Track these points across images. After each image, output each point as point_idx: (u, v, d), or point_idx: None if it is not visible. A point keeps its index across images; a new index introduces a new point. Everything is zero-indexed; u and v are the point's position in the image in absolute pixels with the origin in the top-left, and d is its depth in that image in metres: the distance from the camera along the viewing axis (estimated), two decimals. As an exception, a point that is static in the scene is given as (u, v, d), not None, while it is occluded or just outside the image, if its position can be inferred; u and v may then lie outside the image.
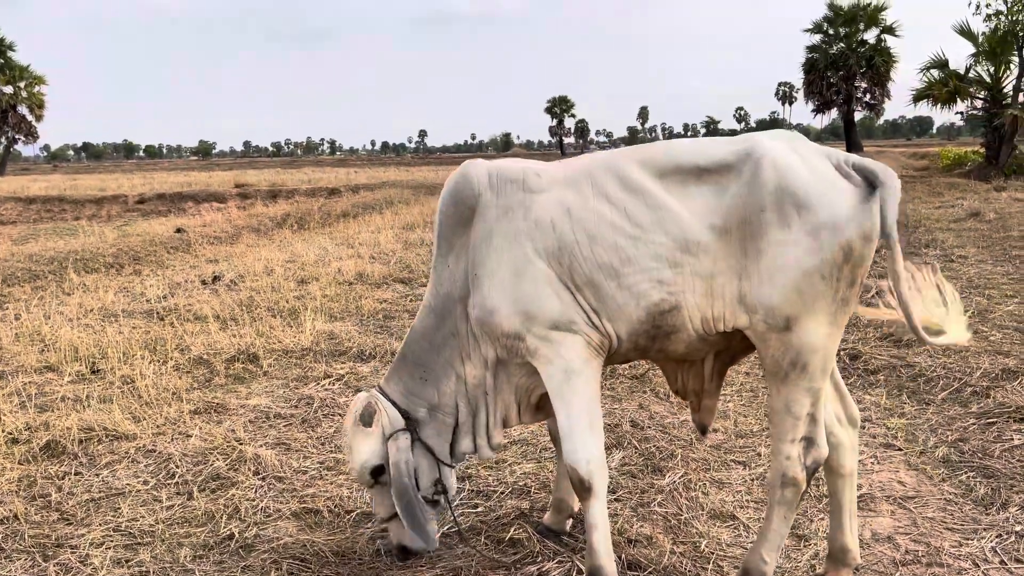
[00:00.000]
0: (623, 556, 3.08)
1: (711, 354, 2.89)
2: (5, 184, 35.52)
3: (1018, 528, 3.31)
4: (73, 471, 3.93)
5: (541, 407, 3.04)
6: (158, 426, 4.50)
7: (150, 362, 5.64)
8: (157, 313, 7.37)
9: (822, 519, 3.48)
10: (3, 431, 4.27)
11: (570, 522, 3.34)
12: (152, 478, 3.84)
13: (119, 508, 3.54)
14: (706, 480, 3.89)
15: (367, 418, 2.87)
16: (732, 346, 2.85)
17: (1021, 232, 11.42)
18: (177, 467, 3.91)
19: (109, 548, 3.19)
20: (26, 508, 3.52)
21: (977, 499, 3.61)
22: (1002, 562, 3.08)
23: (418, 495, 2.90)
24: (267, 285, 8.60)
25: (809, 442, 2.70)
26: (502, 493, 3.70)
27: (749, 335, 2.67)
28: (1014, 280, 8.19)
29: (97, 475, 3.89)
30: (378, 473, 2.89)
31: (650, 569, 3.05)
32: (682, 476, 3.89)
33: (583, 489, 2.73)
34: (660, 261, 2.64)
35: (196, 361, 5.78)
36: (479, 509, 3.54)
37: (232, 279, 9.07)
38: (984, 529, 3.33)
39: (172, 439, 4.32)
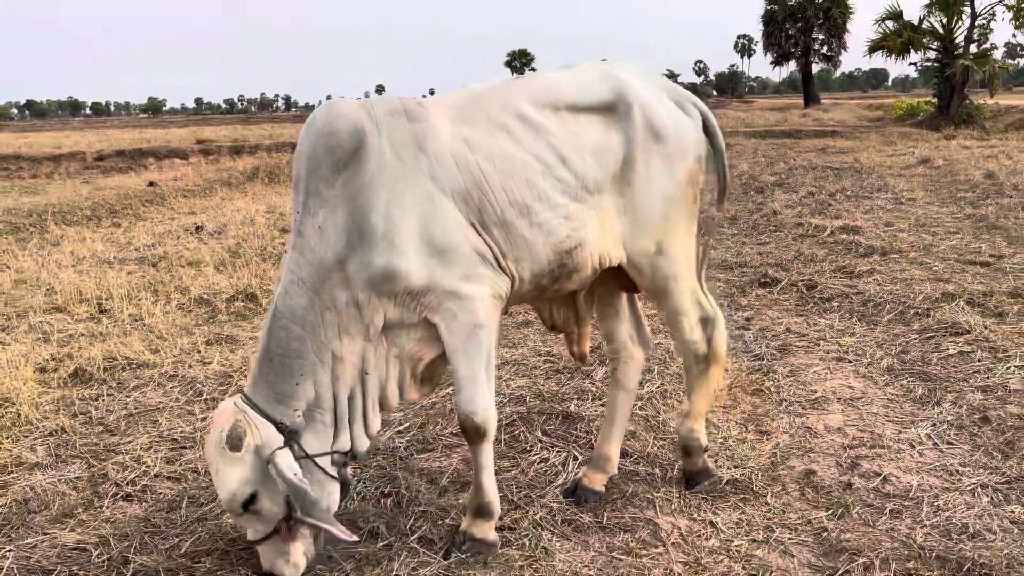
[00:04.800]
0: (612, 446, 3.54)
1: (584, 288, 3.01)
2: (-45, 142, 34.52)
3: (949, 418, 3.84)
4: (105, 393, 4.28)
5: (427, 378, 2.77)
6: (176, 355, 4.85)
7: (154, 302, 5.94)
8: (148, 260, 7.61)
9: (783, 417, 3.97)
10: (31, 362, 4.57)
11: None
12: (182, 396, 4.20)
13: (157, 420, 3.91)
14: (680, 390, 4.36)
15: (234, 441, 2.42)
16: (601, 279, 3.01)
17: (967, 177, 12.05)
18: (203, 387, 4.28)
19: (158, 451, 3.57)
20: (71, 423, 3.87)
21: (915, 398, 4.14)
22: (934, 444, 3.61)
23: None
24: (251, 233, 8.85)
25: (705, 321, 3.12)
26: (501, 403, 4.14)
27: (630, 268, 2.89)
28: (957, 219, 8.79)
29: (128, 396, 4.24)
30: (250, 503, 2.45)
31: (635, 456, 3.53)
32: (659, 387, 4.35)
33: (478, 435, 2.67)
34: (567, 197, 2.68)
35: (198, 301, 6.09)
36: (483, 415, 3.97)
37: (215, 229, 9.30)
38: (920, 420, 3.86)
39: (191, 366, 4.67)
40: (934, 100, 26.79)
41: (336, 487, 2.60)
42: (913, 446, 3.59)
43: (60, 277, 6.58)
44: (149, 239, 8.70)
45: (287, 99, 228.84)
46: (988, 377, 4.25)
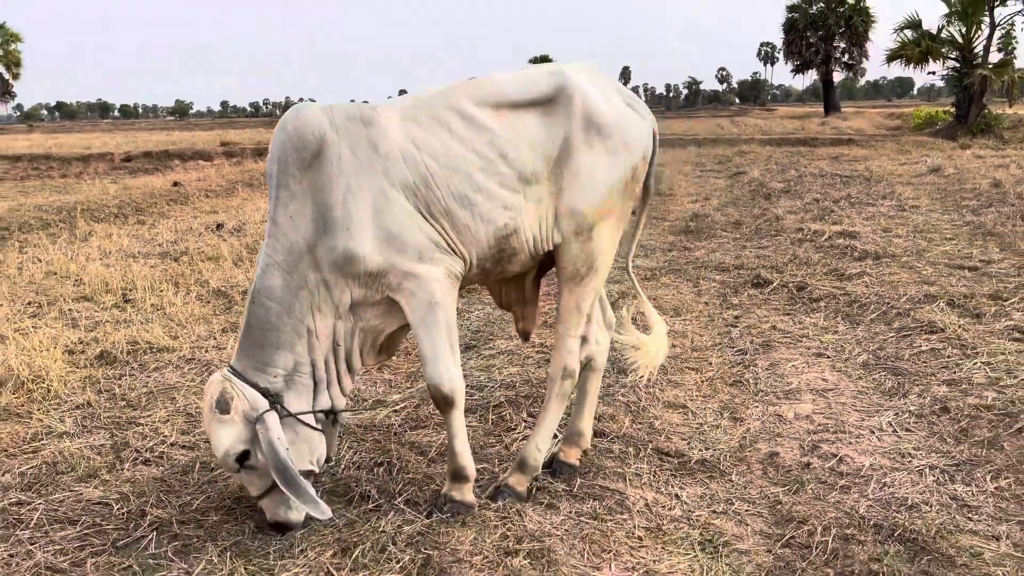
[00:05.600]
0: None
1: (532, 271, 3.30)
2: (-12, 142, 35.42)
3: (912, 408, 4.08)
4: (127, 373, 4.63)
5: (385, 347, 3.10)
6: (193, 341, 5.19)
7: (175, 293, 6.30)
8: (171, 255, 7.99)
9: (757, 406, 4.23)
10: (60, 344, 4.93)
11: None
12: (198, 377, 4.54)
13: (175, 398, 4.25)
14: (663, 380, 4.63)
15: (223, 405, 2.71)
16: (544, 264, 3.29)
17: (974, 185, 12.18)
18: (219, 368, 4.60)
19: (174, 424, 3.90)
20: (96, 398, 4.22)
21: (884, 391, 4.37)
22: (894, 431, 3.85)
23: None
24: (269, 232, 9.22)
25: (584, 340, 3.33)
26: (492, 387, 4.43)
27: (557, 248, 3.10)
28: (956, 226, 8.97)
29: (149, 376, 4.59)
30: (244, 458, 2.74)
31: (612, 436, 3.80)
32: (641, 376, 4.62)
33: (446, 404, 2.93)
34: (505, 189, 2.94)
35: (215, 293, 6.44)
36: (475, 398, 4.27)
37: (234, 227, 9.68)
38: (885, 410, 4.10)
39: (207, 351, 5.01)
40: (953, 109, 26.76)
41: (322, 439, 2.91)
42: (873, 432, 3.84)
43: (88, 269, 6.97)
44: (172, 235, 9.10)
45: (312, 102, 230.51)
46: (955, 372, 4.48)
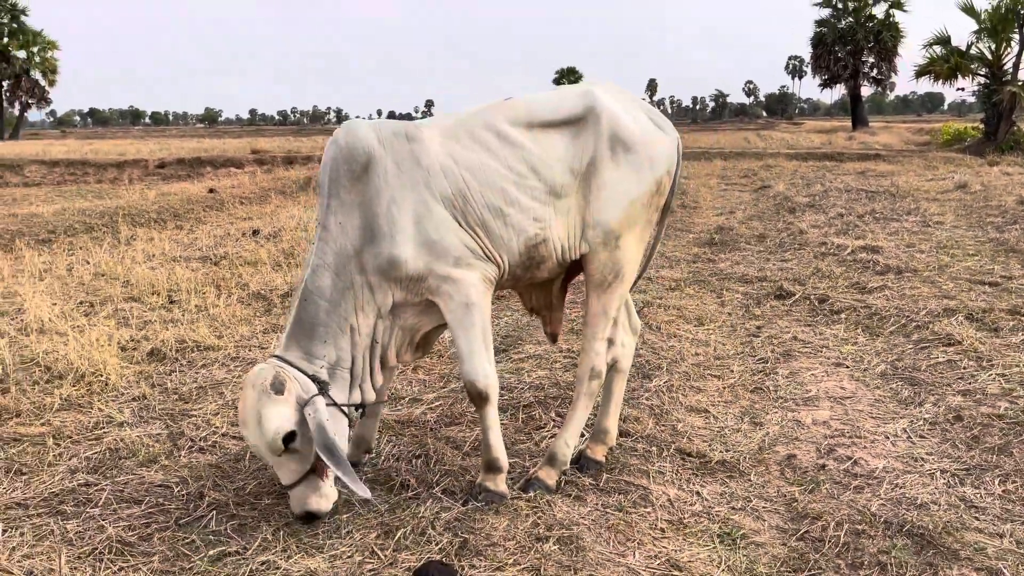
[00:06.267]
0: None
1: (559, 277, 3.51)
2: (27, 147, 36.33)
3: (927, 416, 4.24)
4: (177, 370, 4.90)
5: (420, 345, 3.34)
6: (237, 340, 5.47)
7: (217, 295, 6.59)
8: (210, 259, 8.31)
9: (776, 411, 4.41)
10: (115, 341, 5.23)
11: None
12: (243, 374, 4.80)
13: (223, 393, 4.51)
14: (686, 386, 4.82)
15: (278, 386, 2.87)
16: (571, 271, 3.49)
17: (999, 202, 12.22)
18: (262, 366, 4.87)
19: (225, 416, 4.16)
20: (150, 391, 4.50)
21: (901, 400, 4.53)
22: (908, 437, 4.01)
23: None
24: (303, 238, 9.52)
25: (611, 342, 3.55)
26: (522, 388, 4.65)
27: (584, 257, 3.32)
28: (979, 242, 9.06)
29: (198, 373, 4.86)
30: (289, 439, 2.88)
31: (636, 436, 4.00)
32: (666, 382, 4.82)
33: (481, 399, 3.15)
34: (536, 202, 3.17)
35: (255, 295, 6.73)
36: (505, 398, 4.48)
37: (270, 233, 10.00)
38: (900, 417, 4.26)
39: (250, 349, 5.28)
40: (981, 126, 26.64)
41: (347, 431, 3.14)
42: (887, 438, 4.00)
43: (134, 272, 7.30)
44: (211, 240, 9.43)
45: (338, 112, 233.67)
46: (970, 383, 4.63)
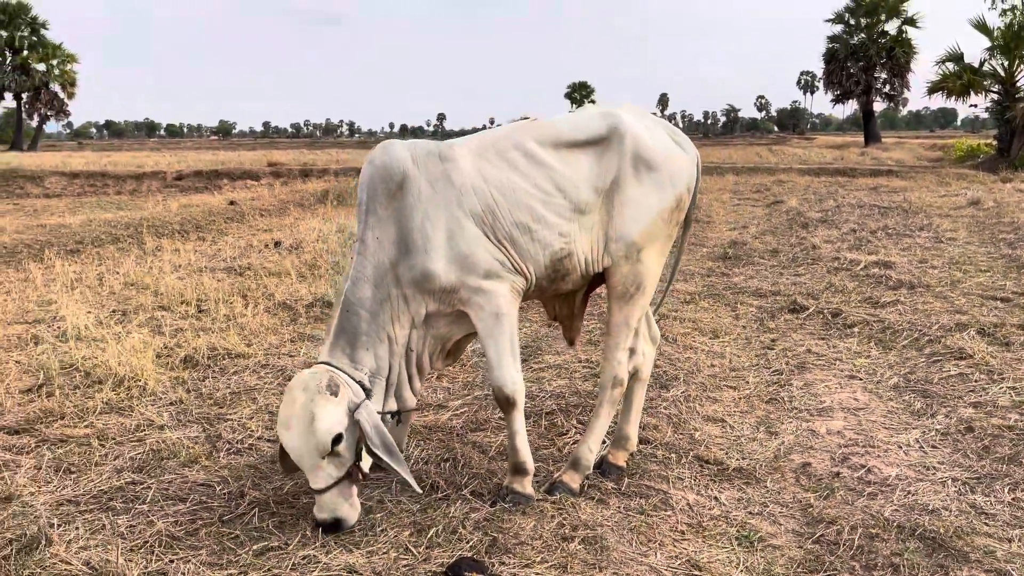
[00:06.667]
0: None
1: (581, 289, 3.67)
2: (46, 158, 36.86)
3: (939, 427, 4.36)
4: (211, 376, 5.09)
5: (451, 352, 3.51)
6: (266, 348, 5.65)
7: (244, 305, 6.78)
8: (235, 270, 8.52)
9: (791, 421, 4.53)
10: (151, 348, 5.42)
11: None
12: (274, 380, 4.98)
13: (256, 398, 4.69)
14: (703, 396, 4.95)
15: (334, 388, 3.00)
16: (593, 282, 3.64)
17: (1012, 219, 12.29)
18: (293, 373, 5.03)
19: (259, 421, 4.33)
20: (186, 396, 4.68)
21: (913, 411, 4.65)
22: (920, 447, 4.14)
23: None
24: (324, 250, 9.72)
25: (632, 352, 3.70)
26: (543, 397, 4.80)
27: (607, 271, 3.47)
28: (992, 258, 9.15)
29: (230, 379, 5.04)
30: (337, 442, 2.99)
31: (656, 444, 4.14)
32: (683, 392, 4.95)
33: (508, 404, 3.30)
34: (561, 218, 3.32)
35: (280, 305, 6.92)
36: (528, 405, 4.63)
37: (291, 244, 10.21)
38: (913, 428, 4.39)
39: (280, 357, 5.46)
40: (994, 142, 26.70)
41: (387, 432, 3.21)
42: (900, 447, 4.13)
43: (163, 282, 7.51)
44: (234, 252, 9.64)
45: (351, 125, 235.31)
46: (981, 395, 4.74)
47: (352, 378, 3.14)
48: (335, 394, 3.01)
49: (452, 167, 3.24)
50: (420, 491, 3.16)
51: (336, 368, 3.12)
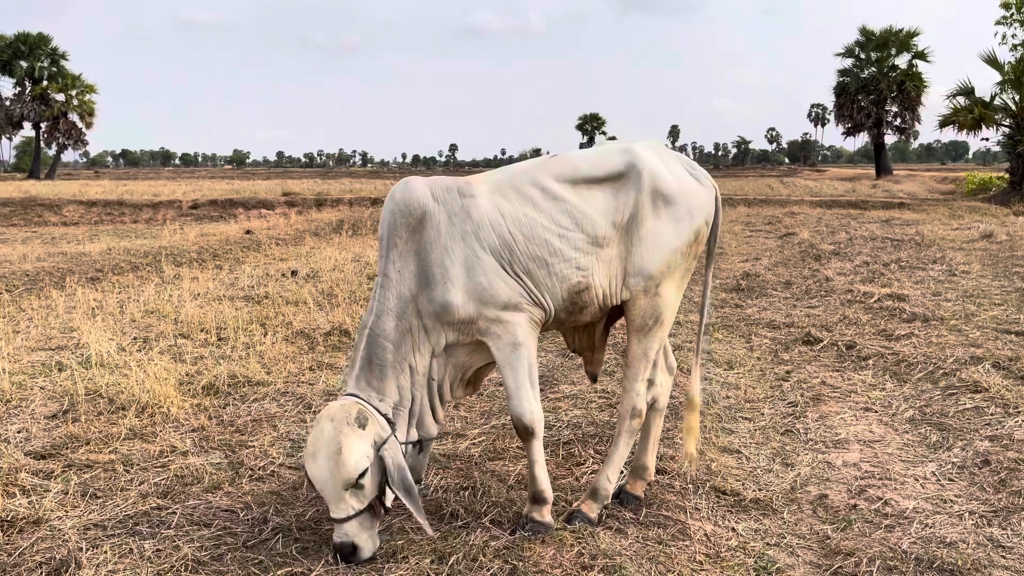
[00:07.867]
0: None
1: (601, 321, 3.74)
2: (63, 187, 37.38)
3: (955, 460, 4.37)
4: (231, 403, 5.16)
5: (471, 381, 3.57)
6: (285, 376, 5.72)
7: (263, 333, 6.87)
8: (253, 298, 8.63)
9: (807, 453, 4.56)
10: (173, 376, 5.50)
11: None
12: (294, 408, 5.04)
13: (276, 425, 4.75)
14: (719, 428, 4.98)
15: (363, 421, 3.05)
16: (612, 314, 3.71)
17: (1025, 252, 12.32)
18: (312, 401, 5.11)
19: (281, 448, 4.39)
20: (208, 423, 4.74)
21: (929, 444, 4.67)
22: (937, 480, 4.15)
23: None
24: (340, 279, 9.83)
25: (650, 383, 3.75)
26: (560, 427, 4.84)
27: (625, 303, 3.53)
28: (1006, 292, 9.17)
29: (251, 406, 5.11)
30: (362, 475, 3.04)
31: (672, 474, 4.17)
32: (699, 423, 4.98)
33: (527, 434, 3.35)
34: (578, 252, 3.38)
35: (298, 334, 7.00)
36: (544, 435, 4.65)
37: (308, 273, 10.33)
38: (929, 461, 4.40)
39: (299, 385, 5.53)
40: (1007, 175, 26.74)
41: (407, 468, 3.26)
42: (917, 480, 4.14)
43: (183, 310, 7.61)
44: (251, 280, 9.77)
45: (364, 155, 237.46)
46: (997, 428, 4.75)
47: (379, 411, 3.19)
48: (363, 427, 3.06)
49: (471, 203, 3.32)
50: (433, 535, 3.20)
51: (364, 401, 3.18)
